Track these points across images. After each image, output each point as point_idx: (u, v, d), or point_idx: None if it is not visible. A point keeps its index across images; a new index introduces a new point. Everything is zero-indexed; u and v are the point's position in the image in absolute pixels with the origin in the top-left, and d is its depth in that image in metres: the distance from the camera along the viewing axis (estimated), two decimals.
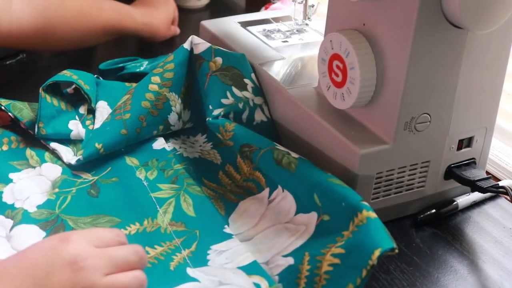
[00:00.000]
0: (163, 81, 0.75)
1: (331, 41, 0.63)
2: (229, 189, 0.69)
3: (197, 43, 0.76)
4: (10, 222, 0.63)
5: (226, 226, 0.63)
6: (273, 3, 0.99)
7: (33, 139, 0.74)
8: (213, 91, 0.74)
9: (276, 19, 0.89)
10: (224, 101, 0.73)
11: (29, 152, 0.73)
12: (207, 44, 0.76)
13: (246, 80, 0.74)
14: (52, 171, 0.71)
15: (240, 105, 0.73)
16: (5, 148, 0.73)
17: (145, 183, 0.69)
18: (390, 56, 0.59)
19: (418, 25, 0.56)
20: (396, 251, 0.51)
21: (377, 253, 0.50)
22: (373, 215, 0.54)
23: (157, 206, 0.66)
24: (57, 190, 0.68)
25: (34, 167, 0.71)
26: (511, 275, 0.59)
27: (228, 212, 0.65)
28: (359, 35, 0.61)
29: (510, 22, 0.60)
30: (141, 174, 0.70)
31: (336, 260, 0.53)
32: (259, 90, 0.74)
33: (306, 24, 0.87)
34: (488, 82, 0.64)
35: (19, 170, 0.70)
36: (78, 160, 0.71)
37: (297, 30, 0.86)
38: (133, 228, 0.63)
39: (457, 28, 0.58)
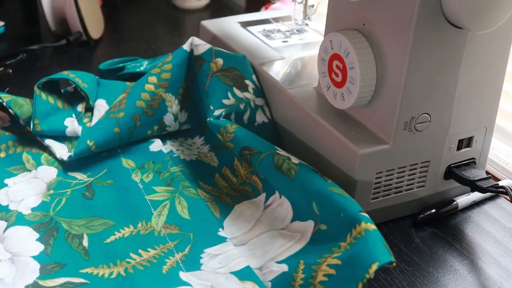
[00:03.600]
0: (159, 82, 0.75)
1: (331, 41, 0.63)
2: (225, 191, 0.68)
3: (198, 44, 0.76)
4: (3, 223, 0.63)
5: (220, 229, 0.63)
6: (273, 3, 0.99)
7: (30, 142, 0.74)
8: (214, 92, 0.74)
9: (276, 19, 0.89)
10: (225, 101, 0.73)
11: (25, 156, 0.73)
12: (208, 45, 0.76)
13: (247, 81, 0.74)
14: (47, 173, 0.71)
15: (242, 106, 0.73)
16: (2, 155, 0.73)
17: (140, 186, 0.69)
18: (390, 56, 0.59)
19: (418, 25, 0.56)
20: (394, 264, 0.51)
21: (374, 267, 0.50)
22: (372, 227, 0.53)
23: (152, 209, 0.65)
24: (52, 192, 0.68)
25: (30, 171, 0.71)
26: (511, 275, 0.59)
27: (223, 215, 0.65)
28: (359, 35, 0.61)
29: (510, 22, 0.60)
30: (136, 177, 0.70)
31: (332, 271, 0.53)
32: (260, 91, 0.74)
33: (306, 24, 0.87)
34: (488, 82, 0.64)
35: (15, 175, 0.70)
36: (69, 157, 0.71)
37: (297, 30, 0.86)
38: (127, 231, 0.63)
39: (457, 28, 0.58)
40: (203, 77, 0.75)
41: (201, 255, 0.60)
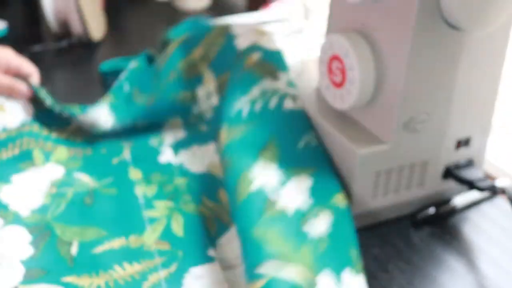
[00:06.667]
0: (203, 56, 0.77)
1: (330, 42, 0.64)
2: (226, 209, 0.66)
3: (242, 38, 0.75)
4: (0, 222, 0.64)
5: (211, 248, 0.61)
6: (273, 3, 1.00)
7: (45, 140, 0.75)
8: (242, 84, 0.70)
9: (276, 19, 0.90)
10: (250, 94, 0.69)
11: (36, 152, 0.73)
12: (248, 41, 0.74)
13: (281, 74, 0.70)
14: (54, 170, 0.71)
15: (267, 96, 0.68)
16: (16, 151, 0.73)
17: (141, 200, 0.68)
18: (389, 57, 0.60)
19: (416, 26, 0.57)
20: None
21: None
22: (259, 284, 0.52)
23: (147, 225, 0.65)
24: (54, 190, 0.68)
25: (37, 166, 0.71)
26: (509, 274, 0.60)
27: (219, 234, 0.63)
28: (359, 36, 0.62)
29: (508, 23, 0.61)
30: (139, 190, 0.69)
31: None
32: (294, 84, 0.70)
33: (306, 25, 0.87)
34: (486, 83, 0.64)
35: (23, 170, 0.71)
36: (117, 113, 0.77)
37: (297, 30, 0.87)
38: (117, 243, 0.62)
39: (455, 29, 0.58)
40: (236, 71, 0.73)
41: (185, 275, 0.58)
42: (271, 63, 0.71)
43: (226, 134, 0.67)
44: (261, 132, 0.65)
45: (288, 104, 0.67)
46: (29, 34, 1.09)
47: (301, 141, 0.65)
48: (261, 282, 0.51)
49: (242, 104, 0.68)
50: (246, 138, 0.65)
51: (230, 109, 0.69)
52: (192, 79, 0.77)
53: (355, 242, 0.58)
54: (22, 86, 0.78)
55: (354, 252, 0.57)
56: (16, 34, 1.07)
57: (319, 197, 0.61)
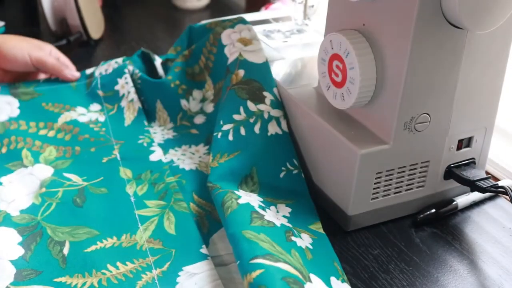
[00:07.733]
0: (205, 64, 0.80)
1: (331, 41, 0.63)
2: None
3: (231, 52, 0.76)
4: None
5: (203, 246, 0.61)
6: (273, 3, 0.99)
7: (33, 138, 0.74)
8: (228, 106, 0.72)
9: (276, 19, 0.90)
10: (235, 116, 0.71)
11: (25, 152, 0.73)
12: (236, 54, 0.75)
13: (265, 93, 0.71)
14: (43, 170, 0.71)
15: (252, 120, 0.70)
16: (3, 150, 0.73)
17: (132, 199, 0.68)
18: (390, 56, 0.60)
19: (417, 25, 0.56)
20: None
21: None
22: (254, 275, 0.52)
23: (139, 224, 0.64)
24: (44, 190, 0.68)
25: (26, 167, 0.71)
26: (511, 274, 0.59)
27: (211, 232, 0.64)
28: (359, 35, 0.61)
29: (510, 22, 0.60)
30: (130, 189, 0.69)
31: None
32: (279, 103, 0.71)
33: (306, 24, 0.87)
34: (488, 82, 0.64)
35: (12, 171, 0.70)
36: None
37: (297, 30, 0.86)
38: (109, 242, 0.62)
39: (456, 28, 0.58)
40: (224, 89, 0.74)
41: (179, 273, 0.58)
42: (256, 80, 0.72)
43: (212, 157, 0.69)
44: (244, 160, 0.68)
45: (272, 129, 0.70)
46: (27, 33, 1.08)
47: (282, 170, 0.68)
48: (257, 272, 0.52)
49: (228, 127, 0.70)
50: (230, 167, 0.68)
51: (219, 127, 0.71)
52: (196, 81, 0.80)
53: (336, 258, 0.60)
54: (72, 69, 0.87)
55: (337, 266, 0.59)
56: (14, 33, 1.07)
57: (298, 225, 0.63)
